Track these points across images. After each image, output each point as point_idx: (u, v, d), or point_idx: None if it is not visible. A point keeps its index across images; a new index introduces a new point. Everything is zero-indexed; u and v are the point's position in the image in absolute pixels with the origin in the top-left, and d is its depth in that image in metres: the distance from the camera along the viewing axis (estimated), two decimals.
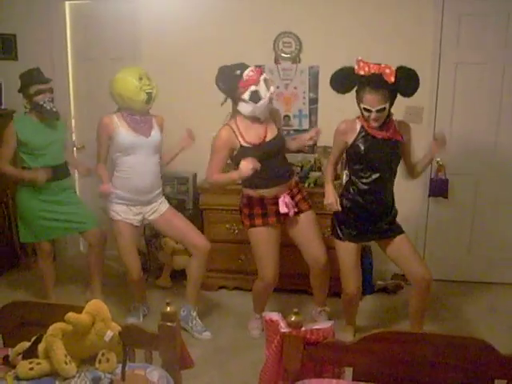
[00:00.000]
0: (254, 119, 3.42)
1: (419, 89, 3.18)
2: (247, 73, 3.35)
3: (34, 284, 4.54)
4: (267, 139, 3.45)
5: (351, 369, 2.25)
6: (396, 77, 3.07)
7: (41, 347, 2.19)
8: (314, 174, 4.39)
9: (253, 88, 3.32)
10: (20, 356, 2.20)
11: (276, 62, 4.57)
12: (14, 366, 2.17)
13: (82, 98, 5.04)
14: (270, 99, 3.42)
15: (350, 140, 3.29)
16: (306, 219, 3.60)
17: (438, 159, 4.39)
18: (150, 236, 4.65)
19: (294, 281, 4.25)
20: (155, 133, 3.68)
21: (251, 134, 3.43)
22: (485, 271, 4.59)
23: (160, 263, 4.66)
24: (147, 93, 3.55)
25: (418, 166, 3.43)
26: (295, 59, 4.55)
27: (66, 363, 2.11)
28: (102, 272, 4.11)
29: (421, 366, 2.16)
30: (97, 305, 2.23)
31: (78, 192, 4.44)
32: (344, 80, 3.21)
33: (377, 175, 3.27)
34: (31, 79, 3.77)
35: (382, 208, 3.35)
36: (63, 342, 2.15)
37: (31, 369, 2.12)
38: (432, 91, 4.32)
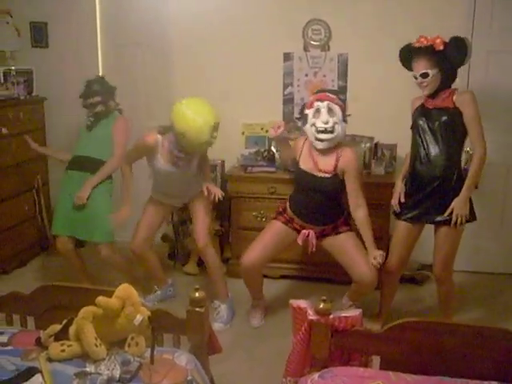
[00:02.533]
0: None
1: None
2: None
3: (64, 268, 4.61)
4: (319, 174, 3.42)
5: (378, 357, 2.25)
6: (446, 45, 3.12)
7: (72, 330, 2.22)
8: None
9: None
10: (52, 338, 2.23)
11: (305, 49, 4.55)
12: (45, 348, 2.20)
13: (111, 82, 5.07)
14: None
15: (413, 112, 3.37)
16: (337, 240, 3.54)
17: (468, 149, 4.32)
18: (178, 223, 4.68)
19: (323, 269, 4.25)
20: (192, 167, 3.61)
21: (308, 159, 3.45)
22: None
23: (187, 250, 4.69)
24: (210, 144, 3.41)
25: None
26: (324, 47, 4.51)
27: (96, 346, 2.14)
28: (125, 272, 4.08)
29: (449, 356, 2.15)
30: (127, 289, 2.25)
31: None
32: (405, 54, 3.27)
33: (425, 146, 3.26)
34: (82, 93, 3.96)
35: (437, 183, 3.26)
36: (93, 326, 2.18)
37: (63, 350, 2.15)
38: (463, 79, 4.25)
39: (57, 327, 2.27)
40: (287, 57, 4.58)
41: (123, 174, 3.69)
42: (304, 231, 3.51)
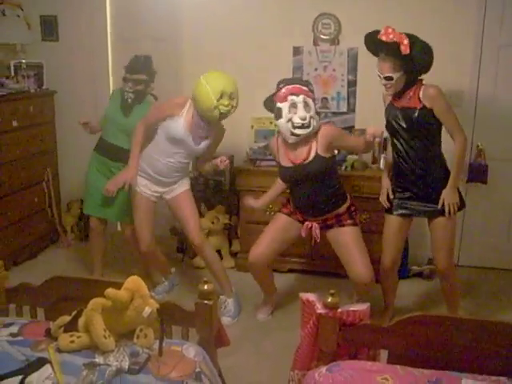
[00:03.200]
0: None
1: (461, 71, 3.13)
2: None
3: (73, 261, 4.64)
4: (300, 162, 3.39)
5: (386, 351, 2.25)
6: (411, 49, 3.05)
7: (81, 321, 2.23)
8: (351, 158, 4.36)
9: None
10: (61, 329, 2.25)
11: (315, 43, 4.54)
12: (55, 339, 2.22)
13: (121, 79, 5.08)
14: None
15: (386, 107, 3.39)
16: (340, 232, 3.51)
17: (479, 143, 4.32)
18: None
19: (331, 263, 4.24)
20: (205, 143, 3.60)
21: (291, 153, 3.43)
22: None
23: None
24: (221, 113, 3.42)
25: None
26: (334, 41, 4.50)
27: (105, 337, 2.15)
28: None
29: (457, 350, 2.15)
30: (136, 281, 2.26)
31: None
32: (370, 42, 3.25)
33: (403, 144, 3.28)
34: (128, 66, 3.87)
35: (417, 177, 3.28)
36: (102, 317, 2.19)
37: (72, 342, 2.17)
38: (473, 74, 4.24)
39: (66, 318, 2.28)
40: (297, 51, 4.57)
41: (136, 134, 3.62)
42: (307, 223, 3.51)
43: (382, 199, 3.47)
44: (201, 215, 4.54)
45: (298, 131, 3.29)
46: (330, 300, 2.18)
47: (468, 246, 4.53)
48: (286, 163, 3.44)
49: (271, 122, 4.57)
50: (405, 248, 4.29)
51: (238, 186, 4.43)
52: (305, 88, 3.35)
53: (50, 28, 5.06)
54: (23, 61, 4.75)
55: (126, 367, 2.05)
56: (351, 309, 2.21)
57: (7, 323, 2.39)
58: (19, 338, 2.27)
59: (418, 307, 3.90)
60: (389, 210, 3.45)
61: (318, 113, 3.39)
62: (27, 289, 2.54)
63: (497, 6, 4.14)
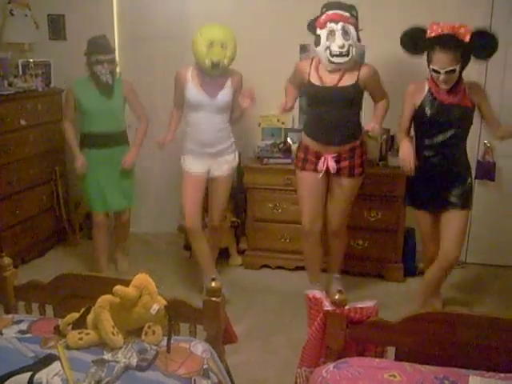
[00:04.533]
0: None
1: (467, 68, 3.11)
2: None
3: (81, 259, 4.66)
4: (339, 85, 3.37)
5: (394, 348, 2.25)
6: (472, 37, 2.95)
7: (89, 318, 2.25)
8: None
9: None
10: (70, 326, 2.27)
11: None
12: (64, 336, 2.24)
13: (128, 77, 5.08)
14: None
15: (418, 102, 3.22)
16: (340, 184, 3.57)
17: (486, 141, 4.30)
18: None
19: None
20: (223, 94, 3.65)
21: (323, 75, 3.40)
22: None
23: None
24: (213, 62, 3.48)
25: (501, 134, 3.29)
26: None
27: (113, 334, 2.17)
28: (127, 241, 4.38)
29: (464, 347, 2.15)
30: (144, 279, 2.27)
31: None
32: (414, 41, 3.12)
33: (441, 140, 3.20)
34: (94, 48, 3.83)
35: (447, 175, 3.27)
36: (111, 314, 2.20)
37: (80, 339, 2.18)
38: (481, 71, 4.22)
39: (75, 316, 2.30)
40: (303, 48, 4.56)
41: (173, 117, 3.81)
42: (322, 159, 3.48)
43: (404, 158, 3.28)
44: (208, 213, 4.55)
45: (335, 59, 3.28)
46: (337, 297, 2.19)
47: (476, 243, 4.51)
48: (316, 81, 3.41)
49: (278, 120, 4.58)
50: (412, 246, 4.30)
51: (246, 184, 4.43)
52: (346, 14, 3.27)
53: (57, 27, 5.07)
54: (31, 60, 4.76)
55: (135, 364, 2.07)
56: (358, 306, 2.21)
57: (17, 320, 2.41)
58: (28, 335, 2.29)
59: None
60: (418, 207, 3.43)
61: (359, 40, 3.34)
62: (36, 286, 2.56)
63: (504, 5, 4.12)
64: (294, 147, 4.38)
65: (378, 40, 4.28)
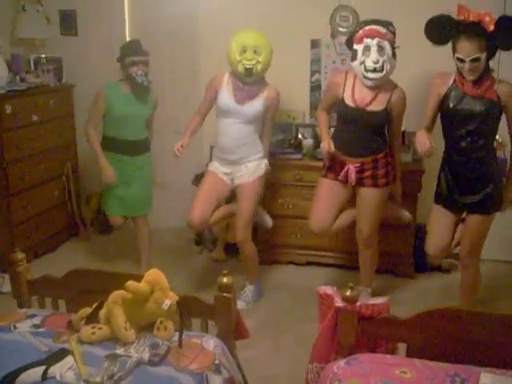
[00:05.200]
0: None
1: None
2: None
3: (92, 254, 4.69)
4: (368, 108, 3.40)
5: (405, 345, 2.25)
6: (496, 26, 2.89)
7: (102, 313, 2.27)
8: None
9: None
10: (83, 321, 2.28)
11: (333, 36, 4.51)
12: (77, 330, 2.25)
13: (121, 67, 5.09)
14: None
15: (442, 92, 3.16)
16: (365, 194, 3.57)
17: (497, 137, 4.27)
18: None
19: (350, 256, 4.27)
20: (252, 104, 3.60)
21: (357, 93, 3.41)
22: None
23: (214, 236, 4.72)
24: (246, 68, 3.49)
25: None
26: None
27: (125, 329, 2.18)
28: (150, 249, 4.25)
29: (475, 344, 2.14)
30: (156, 274, 2.29)
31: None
32: (439, 27, 3.04)
33: (464, 135, 3.12)
34: (128, 50, 3.81)
35: (470, 173, 3.20)
36: (123, 310, 2.22)
37: (93, 333, 2.20)
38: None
39: (87, 310, 2.32)
40: (314, 44, 4.56)
41: (190, 124, 3.74)
42: (345, 168, 3.50)
43: (423, 142, 3.16)
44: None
45: (370, 75, 3.30)
46: (348, 293, 2.19)
47: (487, 239, 4.47)
48: (348, 100, 3.41)
49: (288, 116, 4.57)
50: (422, 241, 4.28)
51: None
52: (383, 30, 3.29)
53: (69, 23, 5.09)
54: (43, 55, 4.79)
55: (147, 359, 2.08)
56: (370, 302, 2.22)
57: (30, 315, 2.44)
58: (42, 330, 2.32)
59: (437, 301, 3.88)
60: (445, 204, 3.35)
61: (394, 57, 3.34)
62: (49, 281, 2.58)
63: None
64: (305, 142, 4.38)
65: None
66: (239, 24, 4.56)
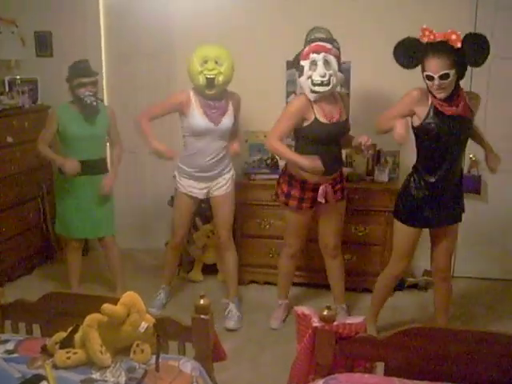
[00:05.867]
0: (327, 97, 3.44)
1: None
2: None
3: (68, 276, 4.62)
4: (341, 120, 3.48)
5: (383, 364, 2.25)
6: (463, 43, 2.93)
7: (77, 337, 2.24)
8: (345, 170, 4.37)
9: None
10: (57, 345, 2.25)
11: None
12: (51, 355, 2.22)
13: (115, 94, 5.10)
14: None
15: (420, 114, 3.11)
16: (335, 208, 3.63)
17: (471, 155, 4.34)
18: None
19: (313, 275, 4.32)
20: (226, 120, 3.67)
21: (326, 110, 3.44)
22: None
23: (191, 257, 4.70)
24: (207, 78, 3.49)
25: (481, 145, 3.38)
26: None
27: (101, 353, 2.15)
28: (123, 272, 4.19)
29: (454, 361, 2.15)
30: (132, 297, 2.27)
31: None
32: (408, 50, 3.05)
33: (447, 154, 3.13)
34: (76, 71, 3.77)
35: (451, 192, 3.24)
36: (99, 333, 2.19)
37: (68, 358, 2.17)
38: (465, 86, 4.26)
39: (62, 335, 2.28)
40: (290, 65, 4.59)
41: (142, 123, 3.71)
42: (321, 187, 3.51)
43: (399, 131, 3.11)
44: (196, 229, 4.55)
45: (317, 88, 3.35)
46: (325, 313, 2.19)
47: (463, 256, 4.53)
48: (323, 119, 3.43)
49: (265, 136, 4.58)
50: None
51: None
52: (328, 46, 3.37)
53: (44, 44, 5.07)
54: (18, 77, 4.76)
55: (123, 383, 2.05)
56: (347, 322, 2.22)
57: (3, 340, 2.39)
58: (15, 355, 2.28)
59: (414, 319, 3.90)
60: (404, 222, 3.33)
61: (340, 71, 3.40)
62: (23, 305, 2.54)
63: (488, 20, 4.19)
64: (281, 162, 4.40)
65: (364, 56, 4.33)
66: (217, 42, 4.61)
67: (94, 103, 3.78)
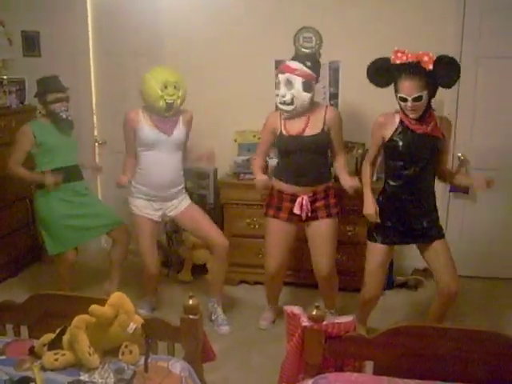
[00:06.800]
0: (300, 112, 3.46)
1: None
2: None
3: (56, 278, 4.59)
4: (305, 134, 3.46)
5: (372, 363, 2.25)
6: (435, 65, 2.95)
7: (65, 339, 2.22)
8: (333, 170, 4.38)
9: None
10: (45, 347, 2.23)
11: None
12: (39, 357, 2.20)
13: (103, 94, 5.08)
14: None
15: (388, 134, 3.17)
16: (320, 227, 3.58)
17: (460, 154, 4.37)
18: (171, 231, 4.68)
19: (303, 275, 4.34)
20: (178, 131, 3.68)
21: (293, 125, 3.47)
22: (506, 267, 4.56)
23: (181, 258, 4.69)
24: (167, 103, 3.55)
25: (452, 177, 3.34)
26: (315, 54, 4.52)
27: (89, 354, 2.14)
28: (122, 267, 4.15)
29: (443, 360, 2.16)
30: (120, 297, 2.26)
31: (99, 193, 4.39)
32: (380, 71, 3.10)
33: (414, 172, 3.15)
34: (49, 86, 3.81)
35: (419, 208, 3.23)
36: (87, 334, 2.18)
37: (56, 360, 2.15)
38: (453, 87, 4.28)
39: (50, 336, 2.27)
40: (279, 64, 4.58)
41: (127, 165, 3.75)
42: (298, 199, 3.51)
43: (370, 212, 3.30)
44: (186, 229, 4.53)
45: (281, 106, 3.44)
46: (315, 313, 2.19)
47: (456, 255, 4.55)
48: (289, 133, 3.47)
49: (254, 136, 4.59)
50: None
51: (222, 200, 4.43)
52: (294, 66, 3.39)
53: (31, 44, 5.04)
54: (5, 77, 4.73)
55: None
56: (336, 321, 2.22)
57: None
58: (2, 357, 2.26)
59: (403, 318, 3.91)
60: (376, 241, 3.32)
61: (308, 91, 3.39)
62: (10, 306, 2.52)
63: (475, 19, 4.21)
64: (271, 162, 4.40)
65: (352, 55, 4.34)
66: (204, 45, 4.61)
67: (70, 117, 3.84)
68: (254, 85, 4.57)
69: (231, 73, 4.59)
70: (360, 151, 4.35)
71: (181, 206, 3.80)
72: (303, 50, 4.48)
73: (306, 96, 3.40)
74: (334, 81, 4.54)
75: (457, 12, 4.24)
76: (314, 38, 4.47)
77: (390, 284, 4.31)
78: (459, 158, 4.38)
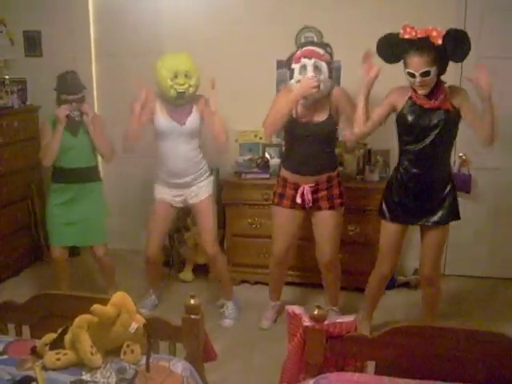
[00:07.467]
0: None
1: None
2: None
3: (56, 283, 4.60)
4: (314, 121, 3.45)
5: (373, 362, 2.26)
6: (444, 39, 2.95)
7: (67, 338, 2.22)
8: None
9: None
10: (47, 347, 2.24)
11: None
12: (41, 357, 2.20)
13: (104, 94, 5.07)
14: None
15: (400, 105, 3.18)
16: (323, 218, 3.60)
17: (461, 154, 4.37)
18: (173, 230, 4.68)
19: (305, 274, 4.34)
20: (192, 120, 3.64)
21: (304, 112, 3.45)
22: (506, 267, 4.57)
23: (182, 257, 4.70)
24: (178, 92, 3.52)
25: (485, 119, 3.10)
26: None
27: (91, 354, 2.14)
28: (114, 277, 4.12)
29: (443, 360, 2.16)
30: (122, 297, 2.26)
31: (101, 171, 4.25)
32: (389, 47, 3.11)
33: (425, 147, 3.14)
34: (64, 88, 3.74)
35: (430, 184, 3.22)
36: (89, 334, 2.18)
37: (58, 359, 2.16)
38: (455, 83, 4.28)
39: (52, 336, 2.27)
40: (280, 64, 4.59)
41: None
42: (300, 188, 3.52)
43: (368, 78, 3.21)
44: (187, 229, 4.55)
45: None
46: (316, 312, 2.19)
47: (453, 255, 4.56)
48: (301, 118, 3.45)
49: (255, 135, 4.59)
50: None
51: (224, 200, 4.43)
52: (320, 51, 3.36)
53: (33, 44, 5.04)
54: (6, 77, 4.73)
55: None
56: (338, 321, 2.22)
57: None
58: (4, 357, 2.26)
59: (405, 317, 3.91)
60: (386, 218, 3.36)
61: (331, 77, 3.39)
62: (12, 306, 2.52)
63: (475, 20, 4.21)
64: (272, 162, 4.41)
65: (353, 54, 4.33)
66: (205, 45, 4.61)
67: (77, 118, 3.75)
68: (255, 85, 4.58)
69: (231, 73, 4.59)
70: (362, 151, 4.35)
71: (200, 195, 3.79)
72: None
73: (330, 82, 3.41)
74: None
75: (457, 12, 4.24)
76: (315, 38, 4.47)
77: (391, 284, 4.30)
78: (460, 157, 4.38)
